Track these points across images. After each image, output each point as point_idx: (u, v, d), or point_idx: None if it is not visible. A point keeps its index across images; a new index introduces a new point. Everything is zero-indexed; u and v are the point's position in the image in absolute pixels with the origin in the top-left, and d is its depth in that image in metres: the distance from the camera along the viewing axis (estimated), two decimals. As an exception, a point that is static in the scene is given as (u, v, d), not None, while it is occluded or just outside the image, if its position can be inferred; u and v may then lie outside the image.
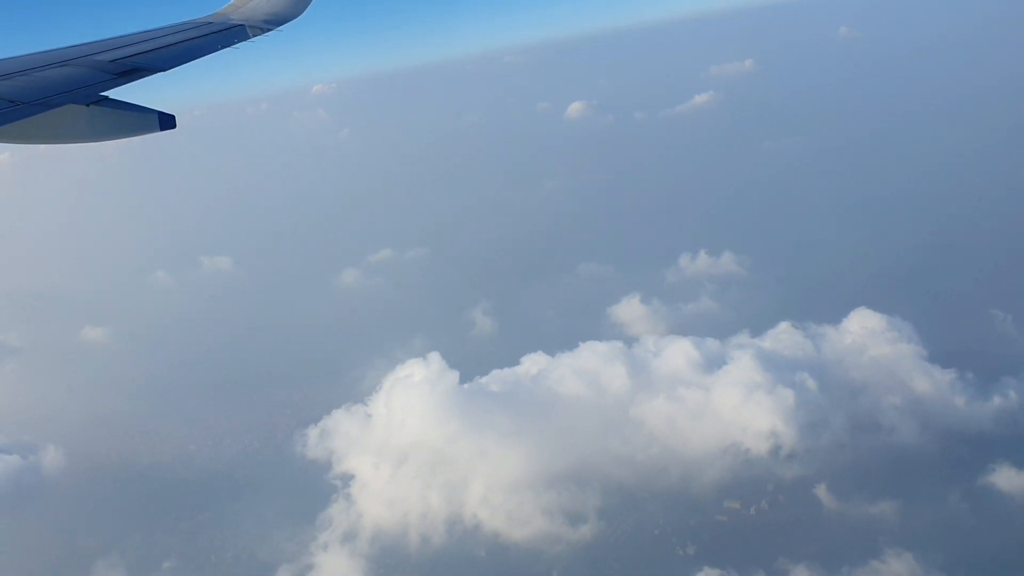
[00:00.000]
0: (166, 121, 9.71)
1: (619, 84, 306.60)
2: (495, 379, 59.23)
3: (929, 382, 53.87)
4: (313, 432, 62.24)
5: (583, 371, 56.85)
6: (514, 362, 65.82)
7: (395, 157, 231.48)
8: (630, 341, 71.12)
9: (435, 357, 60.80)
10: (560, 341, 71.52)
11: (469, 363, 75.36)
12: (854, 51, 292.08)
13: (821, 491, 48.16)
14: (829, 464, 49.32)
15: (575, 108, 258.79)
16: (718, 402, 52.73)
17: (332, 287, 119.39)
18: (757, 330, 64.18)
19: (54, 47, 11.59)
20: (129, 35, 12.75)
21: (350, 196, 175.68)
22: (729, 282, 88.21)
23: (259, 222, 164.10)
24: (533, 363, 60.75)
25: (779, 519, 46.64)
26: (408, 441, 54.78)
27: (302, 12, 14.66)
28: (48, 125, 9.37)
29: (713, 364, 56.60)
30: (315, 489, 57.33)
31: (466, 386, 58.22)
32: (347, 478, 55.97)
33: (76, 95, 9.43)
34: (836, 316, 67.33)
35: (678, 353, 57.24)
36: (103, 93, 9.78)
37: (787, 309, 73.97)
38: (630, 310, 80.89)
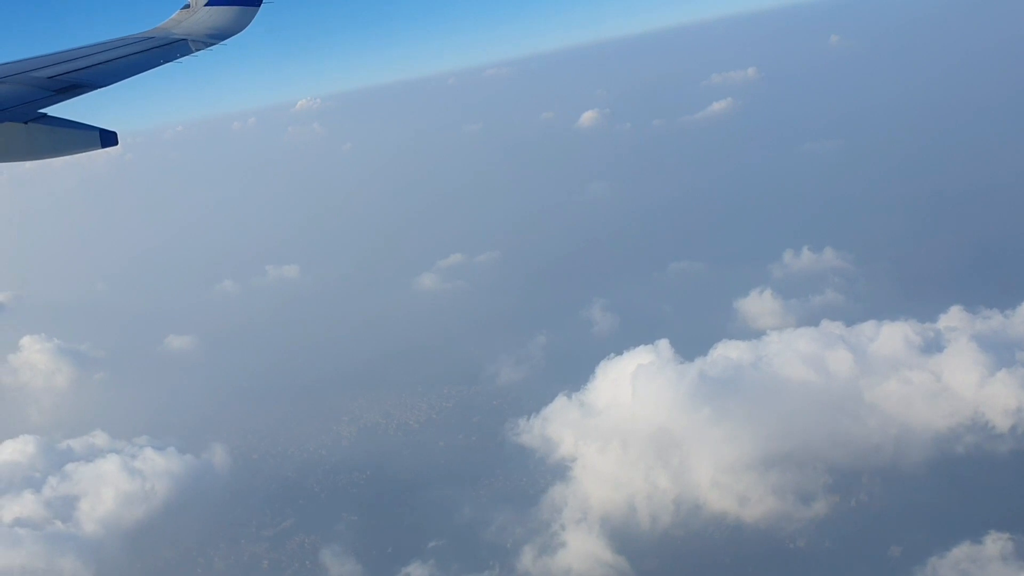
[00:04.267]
0: (108, 138, 9.35)
1: (619, 93, 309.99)
2: (708, 364, 60.89)
3: None
4: (523, 422, 63.57)
5: (803, 355, 58.71)
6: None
7: (415, 167, 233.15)
8: (759, 334, 73.46)
9: (664, 344, 62.48)
10: (696, 334, 73.55)
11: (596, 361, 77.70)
12: (852, 57, 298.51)
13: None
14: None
15: (588, 116, 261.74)
16: (954, 382, 54.86)
17: (413, 291, 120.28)
18: (922, 318, 66.26)
19: None
20: (68, 51, 12.49)
21: (395, 206, 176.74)
22: (841, 276, 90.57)
23: (310, 232, 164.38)
24: (731, 350, 62.46)
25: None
26: (629, 425, 56.24)
27: (245, 27, 14.61)
28: None
29: (929, 347, 58.80)
30: (532, 474, 58.62)
31: (686, 371, 59.72)
32: (568, 462, 57.22)
33: (13, 113, 9.24)
34: (988, 302, 69.79)
35: (895, 336, 59.33)
36: (42, 110, 9.53)
37: (920, 299, 76.59)
38: (760, 304, 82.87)
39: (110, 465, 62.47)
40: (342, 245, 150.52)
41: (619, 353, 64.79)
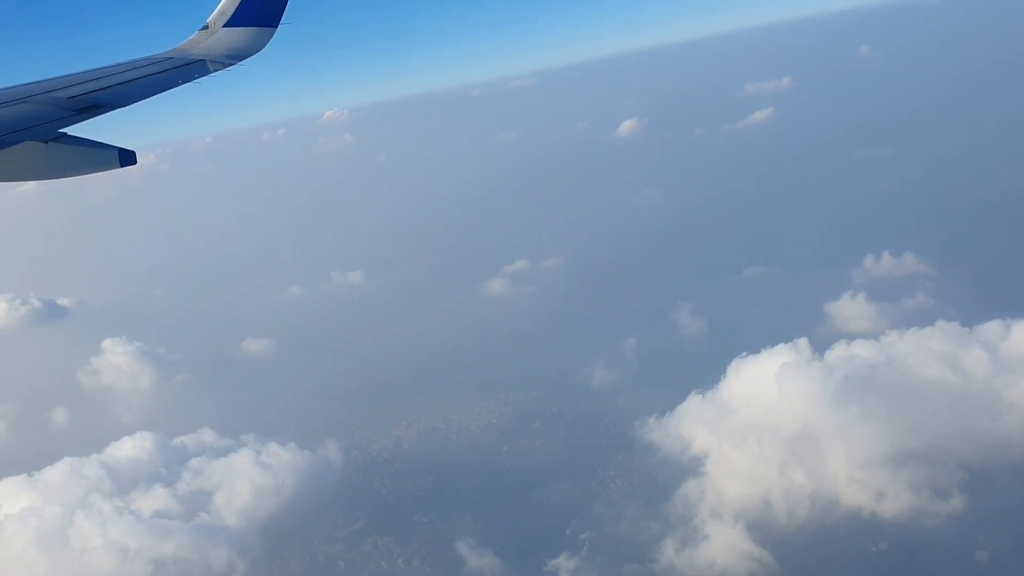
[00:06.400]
0: (126, 157, 9.65)
1: (651, 104, 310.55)
2: (843, 362, 61.81)
3: None
4: (652, 421, 64.59)
5: (934, 354, 59.58)
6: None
7: (456, 176, 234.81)
8: (855, 336, 74.24)
9: (803, 343, 63.56)
10: (793, 337, 74.13)
11: (699, 362, 78.96)
12: (885, 66, 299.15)
13: None
14: None
15: (627, 126, 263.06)
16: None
17: (483, 296, 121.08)
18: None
19: (10, 84, 11.63)
20: (88, 71, 12.70)
21: (446, 213, 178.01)
22: (928, 280, 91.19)
23: (366, 239, 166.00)
24: (857, 349, 63.42)
25: None
26: (765, 422, 57.20)
27: (263, 47, 15.01)
28: (6, 162, 9.32)
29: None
30: (661, 472, 59.59)
31: (830, 369, 60.70)
32: (700, 459, 58.15)
33: (34, 132, 9.41)
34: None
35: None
36: (62, 130, 9.73)
37: (1014, 301, 77.16)
38: (853, 307, 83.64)
39: (243, 459, 63.78)
40: (401, 252, 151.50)
41: (754, 352, 65.69)
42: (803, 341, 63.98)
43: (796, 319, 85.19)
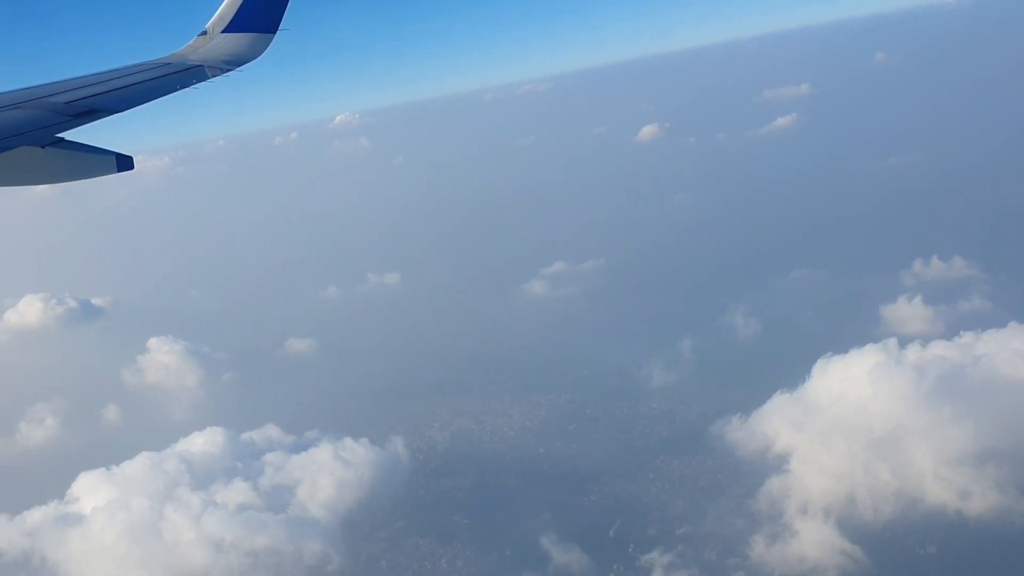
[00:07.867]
0: (124, 162, 9.65)
1: (669, 109, 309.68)
2: (928, 362, 62.33)
3: None
4: (734, 420, 64.97)
5: (1018, 353, 60.06)
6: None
7: (479, 179, 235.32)
8: (914, 338, 74.52)
9: (892, 343, 64.11)
10: (853, 339, 74.42)
11: (763, 363, 79.48)
12: (903, 73, 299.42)
13: None
14: None
15: (648, 131, 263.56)
16: None
17: (523, 298, 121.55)
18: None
19: (7, 89, 11.60)
20: (85, 76, 12.67)
21: (475, 215, 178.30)
22: (982, 284, 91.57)
23: (397, 240, 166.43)
24: (940, 349, 64.01)
25: None
26: (851, 420, 57.71)
27: (262, 53, 14.96)
28: (3, 168, 9.29)
29: None
30: (742, 471, 60.03)
31: (912, 368, 61.19)
32: (784, 457, 58.58)
33: (31, 137, 9.36)
34: None
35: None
36: (59, 135, 9.67)
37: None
38: (910, 310, 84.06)
39: (322, 454, 64.30)
40: (435, 254, 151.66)
41: (841, 352, 66.15)
42: (892, 341, 64.63)
43: (853, 322, 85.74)
